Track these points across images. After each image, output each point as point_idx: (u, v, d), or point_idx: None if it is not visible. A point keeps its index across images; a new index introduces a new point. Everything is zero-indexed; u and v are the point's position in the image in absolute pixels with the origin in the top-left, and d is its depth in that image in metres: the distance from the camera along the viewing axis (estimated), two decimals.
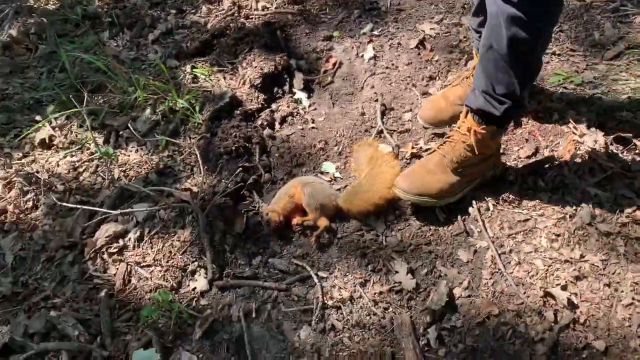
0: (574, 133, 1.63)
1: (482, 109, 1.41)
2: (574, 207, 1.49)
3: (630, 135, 1.61)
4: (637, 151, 1.57)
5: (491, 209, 1.54)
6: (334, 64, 2.10)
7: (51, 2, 2.46)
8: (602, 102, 1.72)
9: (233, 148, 1.73)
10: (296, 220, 1.56)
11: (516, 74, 1.33)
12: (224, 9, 2.32)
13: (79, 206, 1.53)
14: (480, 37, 1.47)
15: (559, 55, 1.94)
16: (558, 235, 1.44)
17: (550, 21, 1.31)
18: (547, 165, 1.60)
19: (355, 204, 1.56)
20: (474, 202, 1.55)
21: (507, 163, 1.63)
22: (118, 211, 1.55)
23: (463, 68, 1.94)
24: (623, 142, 1.60)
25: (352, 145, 1.79)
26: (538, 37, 1.28)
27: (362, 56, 2.09)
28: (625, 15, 2.02)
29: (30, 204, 1.66)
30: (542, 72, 1.89)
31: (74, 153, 1.82)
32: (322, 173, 1.75)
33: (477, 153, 1.48)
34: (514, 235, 1.47)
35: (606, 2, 2.08)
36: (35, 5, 2.43)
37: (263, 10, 2.31)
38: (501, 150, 1.63)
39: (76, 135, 1.87)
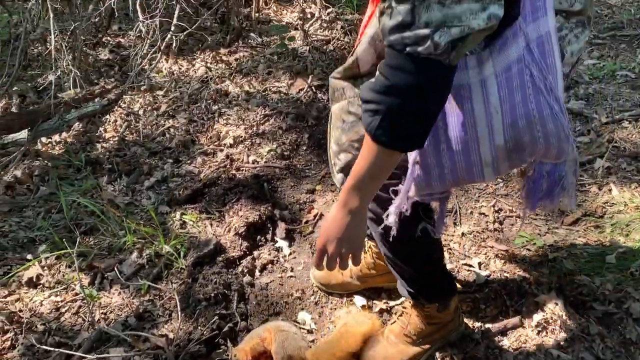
0: (535, 294, 1.72)
1: (411, 296, 1.52)
2: None
3: (588, 298, 1.70)
4: (594, 314, 1.66)
5: None
6: (315, 215, 2.25)
7: (57, 148, 2.66)
8: (562, 265, 1.84)
9: (212, 295, 1.80)
10: None
11: (403, 273, 1.46)
12: (217, 161, 2.52)
13: (55, 349, 1.56)
14: None
15: (521, 218, 2.09)
16: None
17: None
18: (511, 326, 1.67)
19: None
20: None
21: (473, 321, 1.70)
22: (94, 356, 1.58)
23: None
24: (582, 305, 1.69)
25: (327, 297, 1.87)
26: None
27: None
28: (582, 185, 2.21)
29: (8, 343, 1.69)
30: (508, 234, 2.03)
31: (58, 293, 1.88)
32: (298, 323, 1.80)
33: (430, 324, 1.56)
34: None
35: None
36: (42, 149, 2.63)
37: (253, 163, 2.50)
38: (467, 308, 1.71)
39: (63, 276, 1.94)
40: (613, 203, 2.11)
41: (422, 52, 0.89)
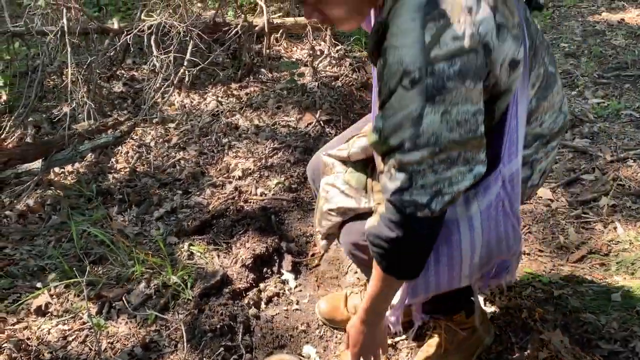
0: (540, 331, 1.72)
1: (438, 313, 1.59)
2: None
3: (594, 337, 1.70)
4: (600, 353, 1.65)
5: None
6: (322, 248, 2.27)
7: (70, 178, 2.71)
8: (568, 303, 1.84)
9: (218, 326, 1.81)
10: None
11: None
12: (226, 193, 2.56)
13: None
14: None
15: (528, 254, 2.10)
16: None
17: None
18: None
19: None
20: None
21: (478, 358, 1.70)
22: None
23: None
24: (587, 344, 1.69)
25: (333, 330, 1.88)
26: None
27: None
28: (587, 222, 2.23)
29: None
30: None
31: (66, 321, 1.90)
32: (302, 356, 1.81)
33: (463, 330, 1.65)
34: None
35: (569, 209, 2.31)
36: (55, 179, 2.68)
37: (261, 195, 2.54)
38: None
39: (72, 304, 1.96)
40: (618, 241, 2.12)
41: (421, 216, 1.09)
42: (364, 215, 1.38)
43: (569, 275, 1.99)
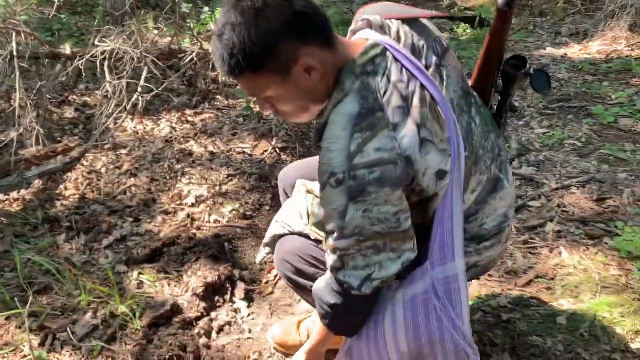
0: (489, 355, 1.75)
1: None
2: None
3: (540, 359, 1.74)
4: None
5: None
6: (275, 276, 2.25)
7: (15, 204, 2.62)
8: (516, 326, 1.88)
9: (167, 356, 1.76)
10: None
11: None
12: (177, 220, 2.52)
13: None
14: None
15: (477, 279, 2.14)
16: None
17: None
18: None
19: None
20: None
21: None
22: None
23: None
24: None
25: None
26: None
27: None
28: (534, 247, 2.29)
29: None
30: None
31: (6, 355, 1.81)
32: None
33: None
34: None
35: (517, 234, 2.37)
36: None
37: (214, 223, 2.51)
38: None
39: (12, 337, 1.87)
40: (563, 265, 2.19)
41: (354, 294, 1.23)
42: (302, 234, 1.52)
43: (517, 299, 2.03)
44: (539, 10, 5.62)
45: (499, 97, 1.46)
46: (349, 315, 1.31)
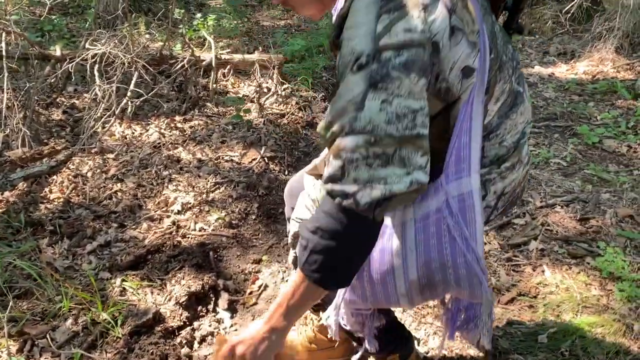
0: None
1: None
2: None
3: None
4: None
5: None
6: (260, 286, 2.25)
7: None
8: (498, 344, 1.89)
9: None
10: None
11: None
12: (163, 227, 2.51)
13: None
14: None
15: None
16: None
17: None
18: None
19: None
20: None
21: None
22: None
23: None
24: None
25: None
26: None
27: (288, 280, 2.25)
28: (517, 265, 2.31)
29: None
30: None
31: None
32: None
33: None
34: None
35: (501, 252, 2.39)
36: None
37: (200, 231, 2.50)
38: None
39: None
40: (546, 284, 2.20)
41: (346, 206, 1.04)
42: None
43: (500, 316, 2.04)
44: (528, 30, 5.70)
45: (507, 15, 1.39)
46: (340, 243, 1.08)
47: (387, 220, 1.20)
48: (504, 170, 1.29)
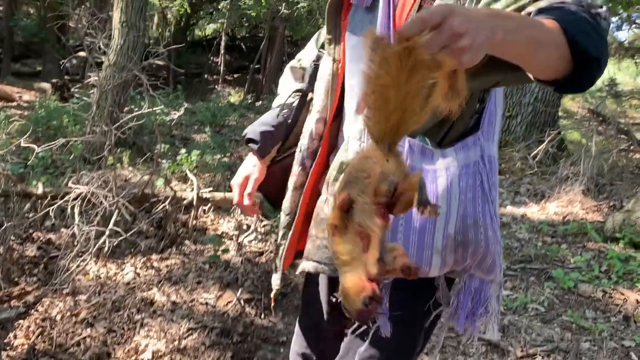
0: None
1: None
2: None
3: None
4: None
5: None
6: None
7: None
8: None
9: None
10: None
11: None
12: None
13: None
14: None
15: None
16: None
17: None
18: None
19: None
20: None
21: None
22: None
23: None
24: None
25: None
26: None
27: None
28: None
29: None
30: None
31: None
32: None
33: None
34: None
35: None
36: None
37: None
38: None
39: None
40: None
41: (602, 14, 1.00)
42: None
43: None
44: (499, 169, 5.96)
45: None
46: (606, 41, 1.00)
47: (430, 165, 1.17)
48: None
